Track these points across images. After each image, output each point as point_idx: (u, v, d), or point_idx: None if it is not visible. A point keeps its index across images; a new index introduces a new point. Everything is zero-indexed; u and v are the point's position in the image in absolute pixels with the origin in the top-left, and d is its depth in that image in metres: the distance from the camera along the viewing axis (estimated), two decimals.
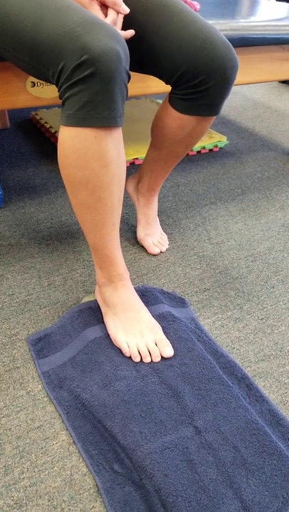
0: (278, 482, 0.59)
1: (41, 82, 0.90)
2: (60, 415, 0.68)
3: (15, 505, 0.58)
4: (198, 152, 1.57)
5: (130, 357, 0.76)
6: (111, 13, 0.69)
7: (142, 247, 1.07)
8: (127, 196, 1.29)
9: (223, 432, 0.65)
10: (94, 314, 0.83)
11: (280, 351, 0.82)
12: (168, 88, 1.02)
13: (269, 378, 0.77)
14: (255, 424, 0.66)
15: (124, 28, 0.76)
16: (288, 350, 0.83)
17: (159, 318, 0.83)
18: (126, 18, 0.76)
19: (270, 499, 0.58)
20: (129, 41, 0.76)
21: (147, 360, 0.75)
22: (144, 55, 0.78)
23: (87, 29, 0.58)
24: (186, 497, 0.57)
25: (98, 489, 0.60)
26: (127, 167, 1.42)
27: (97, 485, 0.60)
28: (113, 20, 0.69)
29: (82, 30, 0.57)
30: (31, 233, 1.10)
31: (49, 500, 0.59)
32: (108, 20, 0.69)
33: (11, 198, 1.24)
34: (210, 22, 0.91)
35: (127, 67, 0.62)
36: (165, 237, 1.09)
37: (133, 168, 1.42)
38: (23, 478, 0.61)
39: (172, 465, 0.60)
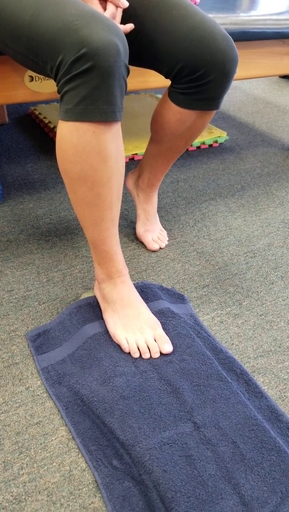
0: (277, 477, 0.60)
1: (40, 76, 0.89)
2: (59, 411, 0.68)
3: (14, 501, 0.58)
4: (198, 147, 1.57)
5: (129, 353, 0.76)
6: (110, 6, 0.68)
7: (142, 243, 1.07)
8: (126, 192, 1.28)
9: (222, 428, 0.65)
10: (93, 310, 0.83)
11: (279, 347, 0.82)
12: (168, 83, 1.01)
13: (268, 374, 0.77)
14: (254, 419, 0.66)
15: (123, 21, 0.75)
16: (287, 346, 0.83)
17: (159, 314, 0.83)
18: (125, 11, 0.75)
19: (269, 494, 0.58)
20: (128, 35, 0.76)
21: (146, 356, 0.75)
22: (144, 48, 0.77)
23: (86, 22, 0.57)
24: (184, 492, 0.57)
25: (97, 484, 0.60)
26: (127, 163, 1.42)
27: (96, 480, 0.60)
28: (112, 13, 0.68)
29: (81, 24, 0.57)
30: (30, 229, 1.10)
31: (48, 496, 0.59)
32: (107, 13, 0.68)
33: (9, 193, 1.23)
34: (210, 16, 0.90)
35: (126, 61, 0.61)
36: (164, 233, 1.09)
37: (132, 164, 1.41)
38: (23, 473, 0.61)
39: (171, 460, 0.60)
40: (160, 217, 1.18)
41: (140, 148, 1.43)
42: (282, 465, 0.61)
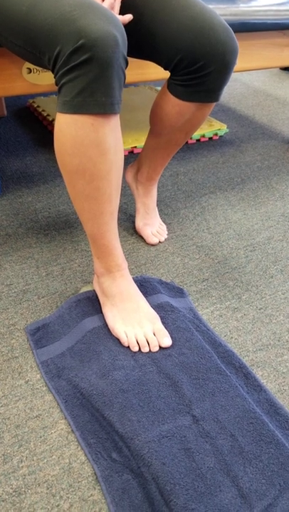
0: (275, 470, 0.60)
1: (38, 68, 0.88)
2: (58, 404, 0.69)
3: (14, 494, 0.58)
4: (198, 140, 1.56)
5: (128, 347, 0.76)
6: None
7: (141, 236, 1.07)
8: (125, 185, 1.28)
9: (221, 421, 0.65)
10: (92, 304, 0.83)
11: (278, 341, 0.82)
12: (167, 74, 1.00)
13: (267, 368, 0.77)
14: (252, 413, 0.66)
15: (122, 12, 0.74)
16: (286, 339, 0.83)
17: (158, 308, 0.83)
18: (123, 1, 0.74)
19: (267, 487, 0.58)
20: (127, 26, 0.75)
21: (145, 349, 0.75)
22: (142, 39, 0.76)
23: (84, 13, 0.56)
24: (183, 485, 0.57)
25: (96, 477, 0.60)
26: (126, 156, 1.41)
27: (95, 473, 0.60)
28: (110, 4, 0.67)
29: (79, 14, 0.56)
30: (29, 223, 1.09)
31: (48, 488, 0.59)
32: (105, 4, 0.67)
33: (8, 187, 1.23)
34: (210, 6, 0.89)
35: (125, 53, 0.61)
36: (164, 226, 1.08)
37: (132, 157, 1.41)
38: (22, 466, 0.61)
39: (170, 453, 0.60)
40: (159, 210, 1.17)
41: (139, 141, 1.42)
42: (281, 458, 0.61)
